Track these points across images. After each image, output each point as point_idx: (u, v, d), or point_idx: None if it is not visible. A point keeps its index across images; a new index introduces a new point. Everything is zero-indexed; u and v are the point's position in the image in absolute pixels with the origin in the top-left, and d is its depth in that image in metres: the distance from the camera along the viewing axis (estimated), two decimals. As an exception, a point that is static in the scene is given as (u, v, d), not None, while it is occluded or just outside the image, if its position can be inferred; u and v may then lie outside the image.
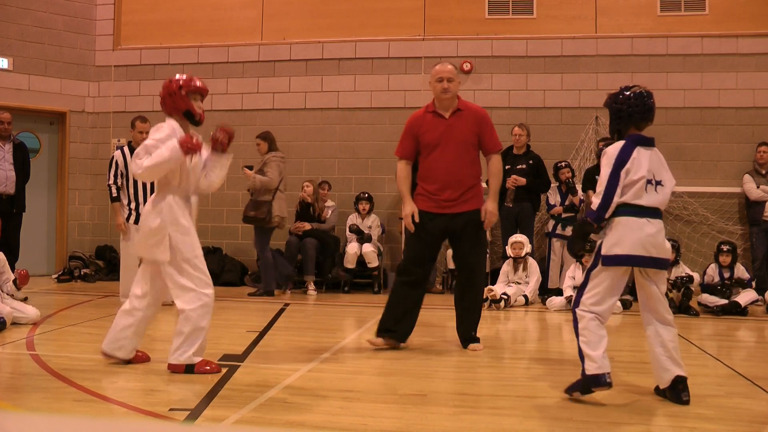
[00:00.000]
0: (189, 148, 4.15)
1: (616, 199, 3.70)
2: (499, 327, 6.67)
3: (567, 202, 8.67)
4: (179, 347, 4.21)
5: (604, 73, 9.60)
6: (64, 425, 2.26)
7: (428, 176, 5.19)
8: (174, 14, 10.68)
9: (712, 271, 7.79)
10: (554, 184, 8.85)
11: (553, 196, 8.88)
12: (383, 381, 4.25)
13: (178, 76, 4.34)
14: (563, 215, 8.67)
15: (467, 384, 4.28)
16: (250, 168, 8.36)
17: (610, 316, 3.89)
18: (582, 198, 8.50)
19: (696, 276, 7.69)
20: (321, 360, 4.73)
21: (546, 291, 8.37)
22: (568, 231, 8.16)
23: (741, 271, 7.76)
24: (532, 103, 9.82)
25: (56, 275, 9.95)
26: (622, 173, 3.70)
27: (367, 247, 9.04)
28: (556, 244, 8.66)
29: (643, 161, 3.72)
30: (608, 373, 3.64)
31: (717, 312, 7.41)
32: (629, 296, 7.47)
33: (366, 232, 9.16)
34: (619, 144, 3.79)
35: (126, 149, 7.19)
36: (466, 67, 9.85)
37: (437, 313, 6.99)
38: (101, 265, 10.28)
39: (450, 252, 7.48)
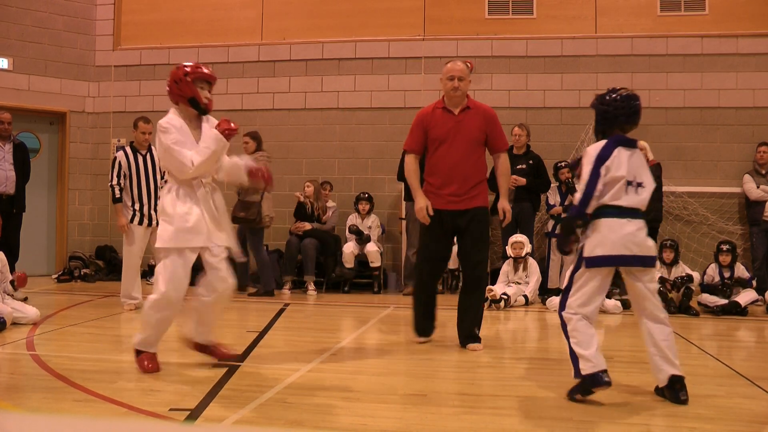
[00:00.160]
0: (230, 133, 4.19)
1: (598, 198, 3.71)
2: (499, 327, 6.68)
3: (567, 202, 8.66)
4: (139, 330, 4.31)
5: (604, 73, 9.59)
6: (64, 425, 2.27)
7: (435, 171, 5.26)
8: (174, 14, 10.69)
9: (712, 271, 7.80)
10: (554, 184, 8.86)
11: (553, 196, 8.88)
12: (383, 381, 4.24)
13: (185, 63, 4.33)
14: (563, 215, 8.67)
15: (467, 384, 4.28)
16: None
17: (599, 317, 3.89)
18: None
19: (696, 275, 7.69)
20: (321, 360, 4.73)
21: (546, 291, 8.38)
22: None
23: (741, 271, 7.75)
24: (532, 103, 9.82)
25: (56, 275, 9.95)
26: (602, 170, 3.73)
27: (371, 247, 9.03)
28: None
29: (624, 161, 3.74)
30: (605, 371, 3.63)
31: (717, 312, 7.41)
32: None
33: (366, 232, 9.16)
34: (601, 143, 3.84)
35: (128, 149, 7.14)
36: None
37: (437, 313, 6.96)
38: (101, 266, 10.28)
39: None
